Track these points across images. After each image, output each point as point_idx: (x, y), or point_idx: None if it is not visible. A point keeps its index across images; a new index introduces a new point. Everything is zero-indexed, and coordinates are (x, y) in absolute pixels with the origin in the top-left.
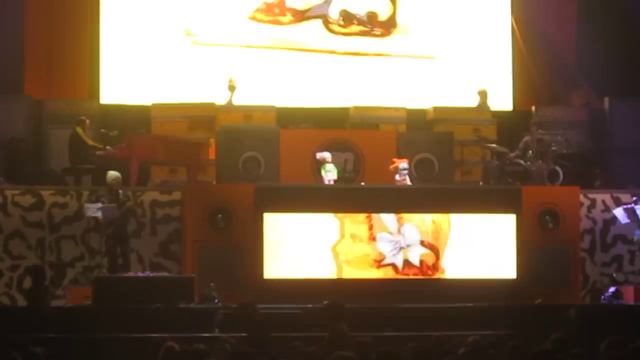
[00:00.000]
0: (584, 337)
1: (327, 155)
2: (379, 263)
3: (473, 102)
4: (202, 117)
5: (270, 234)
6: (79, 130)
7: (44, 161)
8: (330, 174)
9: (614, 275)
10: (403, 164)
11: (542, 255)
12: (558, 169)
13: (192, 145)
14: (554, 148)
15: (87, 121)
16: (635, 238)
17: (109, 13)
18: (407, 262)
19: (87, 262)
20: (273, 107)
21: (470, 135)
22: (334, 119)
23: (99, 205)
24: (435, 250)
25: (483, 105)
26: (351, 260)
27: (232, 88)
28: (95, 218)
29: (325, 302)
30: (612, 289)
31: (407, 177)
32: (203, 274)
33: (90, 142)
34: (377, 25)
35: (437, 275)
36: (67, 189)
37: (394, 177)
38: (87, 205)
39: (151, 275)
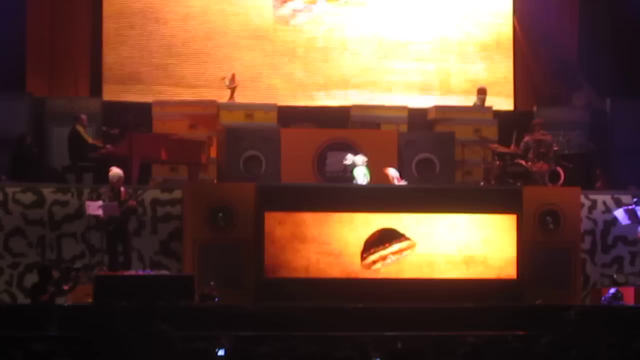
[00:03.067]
0: (583, 339)
1: (355, 158)
2: (379, 263)
3: (473, 101)
4: (203, 115)
5: (271, 233)
6: (79, 127)
7: (45, 159)
8: (360, 178)
9: (615, 276)
10: (391, 170)
11: (542, 255)
12: (559, 169)
13: (193, 144)
14: (555, 149)
15: (85, 117)
16: None
17: (110, 10)
18: (407, 262)
19: (87, 260)
20: (274, 105)
21: (471, 135)
22: (335, 118)
23: (100, 203)
24: (433, 250)
25: (481, 103)
26: (352, 260)
27: (232, 84)
28: (96, 216)
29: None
30: (612, 290)
31: (402, 179)
32: (203, 273)
33: (90, 140)
34: None
35: (437, 275)
36: (68, 187)
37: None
38: (88, 203)
39: (152, 273)
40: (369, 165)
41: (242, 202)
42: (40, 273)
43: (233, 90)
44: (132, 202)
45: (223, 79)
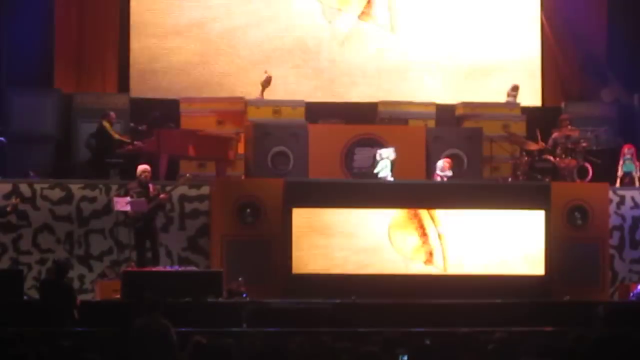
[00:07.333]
0: (612, 335)
1: (384, 151)
2: (407, 258)
3: (503, 98)
4: (231, 111)
5: (299, 229)
6: (106, 124)
7: (73, 155)
8: (383, 171)
9: None
10: (439, 162)
11: (570, 251)
12: (587, 165)
13: (221, 140)
14: (583, 144)
15: (113, 114)
16: None
17: (138, 7)
18: (433, 258)
19: (115, 256)
20: (302, 101)
21: (499, 131)
22: (363, 114)
23: (128, 199)
24: (461, 246)
25: (514, 101)
26: (379, 256)
27: (266, 83)
28: (124, 212)
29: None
30: None
31: (448, 172)
32: (231, 269)
33: (117, 137)
34: None
35: (464, 271)
36: (96, 183)
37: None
38: (115, 199)
39: (179, 269)
40: (394, 162)
41: (269, 198)
42: (57, 270)
43: (264, 88)
44: (163, 196)
45: (265, 73)
